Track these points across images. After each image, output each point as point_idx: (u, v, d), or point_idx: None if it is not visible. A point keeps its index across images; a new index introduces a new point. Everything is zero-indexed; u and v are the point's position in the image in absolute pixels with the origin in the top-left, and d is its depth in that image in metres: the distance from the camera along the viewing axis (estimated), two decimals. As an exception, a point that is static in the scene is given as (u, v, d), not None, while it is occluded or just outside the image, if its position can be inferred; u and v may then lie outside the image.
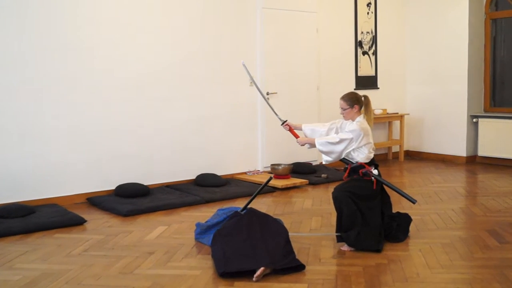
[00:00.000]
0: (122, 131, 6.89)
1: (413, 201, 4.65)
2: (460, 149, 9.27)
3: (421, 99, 9.86)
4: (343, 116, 4.95)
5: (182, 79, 7.39)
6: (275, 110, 5.32)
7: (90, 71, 6.62)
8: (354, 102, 4.87)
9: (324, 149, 4.84)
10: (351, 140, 4.76)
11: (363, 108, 4.92)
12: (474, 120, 9.12)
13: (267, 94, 8.09)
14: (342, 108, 4.91)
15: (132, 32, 6.95)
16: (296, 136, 5.11)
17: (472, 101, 9.20)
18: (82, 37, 6.55)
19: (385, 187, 4.89)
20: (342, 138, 4.77)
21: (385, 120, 9.67)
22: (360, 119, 4.88)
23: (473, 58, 9.15)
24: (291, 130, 5.18)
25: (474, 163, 9.19)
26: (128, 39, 6.91)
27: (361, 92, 5.08)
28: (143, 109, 7.06)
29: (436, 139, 9.63)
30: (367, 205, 4.69)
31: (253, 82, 5.58)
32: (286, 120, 5.20)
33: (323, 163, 5.01)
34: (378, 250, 4.55)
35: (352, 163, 4.84)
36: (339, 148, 4.79)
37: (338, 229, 4.72)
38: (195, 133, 7.55)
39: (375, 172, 4.80)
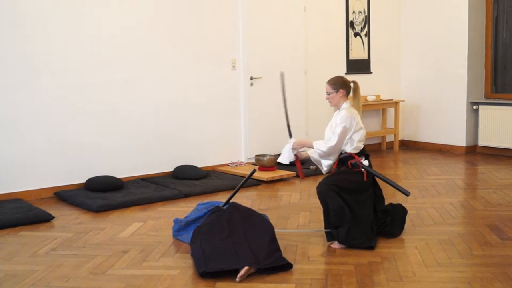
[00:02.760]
0: (92, 119, 6.85)
1: (406, 194, 4.67)
2: (459, 139, 9.34)
3: (417, 84, 9.91)
4: (329, 102, 5.02)
5: (157, 61, 7.35)
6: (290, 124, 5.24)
7: (49, 51, 6.53)
8: (340, 86, 4.93)
9: (324, 156, 4.87)
10: (346, 131, 4.79)
11: (351, 95, 4.99)
12: (474, 107, 9.18)
13: (251, 79, 8.09)
14: (327, 92, 4.99)
15: (92, 4, 6.82)
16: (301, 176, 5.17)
17: (472, 86, 9.25)
18: (35, 13, 6.43)
19: (377, 179, 4.92)
20: (339, 135, 4.78)
21: (379, 107, 9.71)
22: (346, 105, 4.93)
23: (474, 40, 9.19)
24: (300, 168, 5.14)
25: (474, 153, 9.26)
26: (89, 12, 6.81)
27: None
28: (115, 94, 7.02)
29: (434, 127, 9.69)
30: (357, 199, 4.70)
31: (283, 97, 5.27)
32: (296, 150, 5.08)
33: (324, 172, 5.02)
34: (370, 247, 4.58)
35: (341, 153, 4.87)
36: (339, 146, 4.82)
37: (326, 226, 4.75)
38: (173, 120, 7.53)
39: (365, 163, 4.82)
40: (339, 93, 4.92)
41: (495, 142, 8.98)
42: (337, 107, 5.00)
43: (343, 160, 4.86)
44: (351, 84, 4.99)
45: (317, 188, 4.74)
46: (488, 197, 6.29)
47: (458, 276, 4.01)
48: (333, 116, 5.03)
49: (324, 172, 5.03)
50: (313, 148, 4.95)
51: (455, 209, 5.80)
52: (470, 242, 4.75)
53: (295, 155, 5.06)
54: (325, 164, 4.93)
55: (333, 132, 4.83)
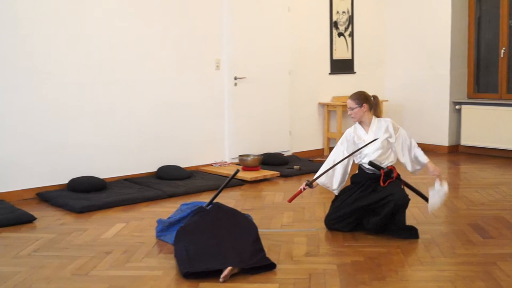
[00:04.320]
0: (75, 118, 6.80)
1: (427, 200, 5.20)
2: (441, 138, 9.40)
3: (401, 85, 9.96)
4: (352, 117, 5.11)
5: (140, 61, 7.31)
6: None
7: (34, 50, 6.47)
8: (363, 101, 5.03)
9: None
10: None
11: (372, 109, 5.12)
12: (457, 107, 9.24)
13: (235, 79, 8.08)
14: (350, 108, 5.07)
15: (83, 7, 6.80)
16: (290, 200, 5.13)
17: (455, 86, 9.32)
18: (31, 14, 6.40)
19: None
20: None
21: (363, 107, 9.73)
22: (376, 120, 5.06)
23: (456, 41, 9.25)
24: (295, 195, 5.08)
25: (457, 153, 9.32)
26: (79, 14, 6.77)
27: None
28: (97, 94, 6.97)
29: (417, 127, 9.73)
30: None
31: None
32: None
33: (336, 193, 5.15)
34: None
35: (383, 167, 4.99)
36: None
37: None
38: (156, 121, 7.50)
39: None
40: (363, 107, 5.01)
41: (478, 141, 9.05)
42: (361, 121, 5.08)
43: (389, 174, 5.00)
44: (372, 99, 5.10)
45: (405, 199, 4.94)
46: (471, 196, 6.33)
47: (441, 275, 4.03)
48: (352, 131, 5.11)
49: (336, 193, 5.15)
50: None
51: (438, 209, 5.83)
52: (453, 241, 4.78)
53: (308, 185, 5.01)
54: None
55: (414, 146, 5.18)
